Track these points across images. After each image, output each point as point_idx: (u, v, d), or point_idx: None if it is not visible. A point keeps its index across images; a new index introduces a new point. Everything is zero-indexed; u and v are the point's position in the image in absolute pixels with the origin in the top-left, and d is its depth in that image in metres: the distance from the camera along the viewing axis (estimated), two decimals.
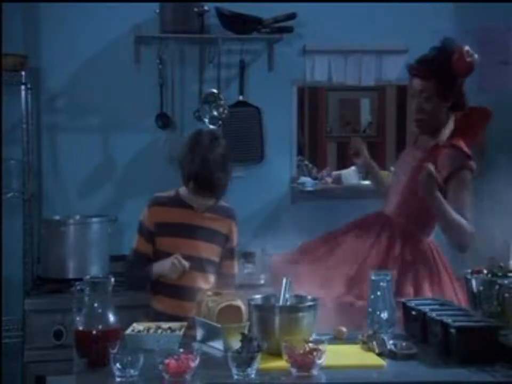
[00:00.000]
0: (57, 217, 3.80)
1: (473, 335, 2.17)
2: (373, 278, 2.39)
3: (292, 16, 4.01)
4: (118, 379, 2.02)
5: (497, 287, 2.30)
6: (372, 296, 2.38)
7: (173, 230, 2.78)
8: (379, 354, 2.24)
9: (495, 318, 2.28)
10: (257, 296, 2.41)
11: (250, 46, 4.09)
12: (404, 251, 2.79)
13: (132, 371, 2.02)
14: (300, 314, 2.25)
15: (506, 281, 2.30)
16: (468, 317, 2.30)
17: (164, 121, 4.00)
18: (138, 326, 2.41)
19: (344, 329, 2.47)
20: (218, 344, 2.31)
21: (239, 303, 2.40)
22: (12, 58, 3.65)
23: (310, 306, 2.28)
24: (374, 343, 2.27)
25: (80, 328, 2.17)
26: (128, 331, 2.36)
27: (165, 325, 2.45)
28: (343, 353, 2.27)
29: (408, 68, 2.92)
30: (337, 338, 2.43)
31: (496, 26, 4.30)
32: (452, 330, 2.18)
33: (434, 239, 2.98)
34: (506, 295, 2.26)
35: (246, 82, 4.10)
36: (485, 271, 2.47)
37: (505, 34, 4.32)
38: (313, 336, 2.27)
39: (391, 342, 2.27)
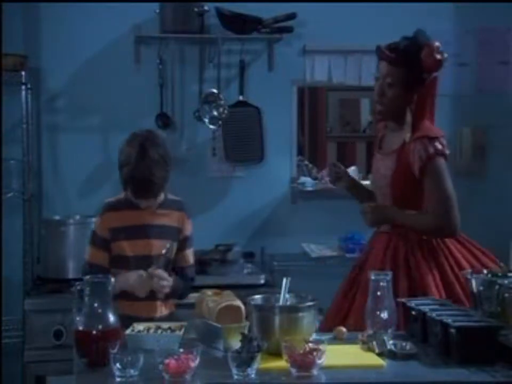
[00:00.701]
0: (57, 217, 3.80)
1: (473, 335, 2.17)
2: (372, 278, 2.39)
3: (291, 16, 4.01)
4: (118, 379, 2.02)
5: (497, 287, 2.30)
6: (372, 296, 2.37)
7: (127, 232, 2.76)
8: (379, 354, 2.24)
9: (495, 318, 2.28)
10: (257, 296, 2.41)
11: (250, 46, 4.09)
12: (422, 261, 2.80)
13: (132, 371, 2.02)
14: (300, 314, 2.25)
15: (506, 281, 2.30)
16: (468, 317, 2.29)
17: (164, 121, 4.00)
18: (138, 326, 2.41)
19: (344, 329, 2.47)
20: (218, 344, 2.31)
21: (239, 303, 2.40)
22: (12, 58, 3.65)
23: (310, 306, 2.28)
24: (374, 343, 2.27)
25: (80, 328, 2.17)
26: (128, 331, 2.35)
27: (165, 325, 2.45)
28: (343, 353, 2.27)
29: (377, 50, 2.86)
30: (337, 338, 2.43)
31: (496, 26, 4.31)
32: (452, 330, 2.17)
33: None
34: (506, 295, 2.26)
35: (246, 82, 4.10)
36: (485, 271, 2.47)
37: (505, 35, 4.32)
38: (313, 336, 2.27)
39: (391, 342, 2.27)
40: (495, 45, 4.31)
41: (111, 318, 2.18)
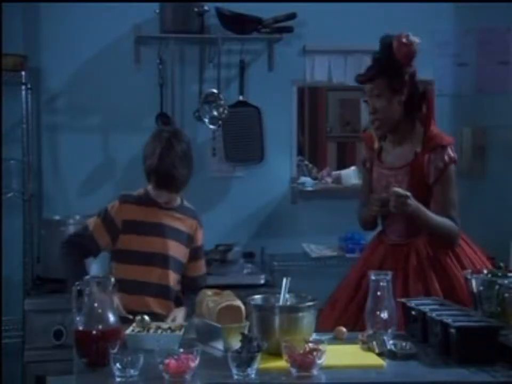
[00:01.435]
0: (57, 217, 3.80)
1: (473, 335, 2.17)
2: (372, 278, 2.39)
3: (291, 16, 4.01)
4: (118, 379, 2.02)
5: (497, 287, 2.30)
6: (372, 296, 2.37)
7: (141, 227, 2.78)
8: (379, 354, 2.24)
9: (495, 318, 2.28)
10: (257, 296, 2.41)
11: (250, 46, 4.09)
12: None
13: (132, 371, 2.02)
14: (300, 314, 2.25)
15: (506, 281, 2.30)
16: (467, 317, 2.29)
17: (164, 121, 4.00)
18: (138, 326, 2.41)
19: (344, 329, 2.47)
20: (218, 344, 2.31)
21: (239, 303, 2.40)
22: (12, 58, 3.65)
23: (310, 306, 2.28)
24: (374, 343, 2.27)
25: (80, 328, 2.17)
26: (128, 331, 2.36)
27: (165, 325, 2.45)
28: (343, 353, 2.27)
29: (356, 79, 2.92)
30: (337, 338, 2.43)
31: (496, 26, 4.31)
32: (452, 331, 2.18)
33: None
34: (506, 295, 2.26)
35: (246, 82, 4.10)
36: (485, 271, 2.47)
37: (504, 35, 4.32)
38: (313, 336, 2.27)
39: (391, 342, 2.27)
40: (495, 45, 4.31)
41: (111, 318, 2.18)
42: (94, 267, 3.63)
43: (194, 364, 2.03)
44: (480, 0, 4.19)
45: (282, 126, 4.17)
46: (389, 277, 2.38)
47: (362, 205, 3.04)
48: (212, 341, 2.34)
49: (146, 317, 2.45)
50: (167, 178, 2.71)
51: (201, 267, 2.97)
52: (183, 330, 2.38)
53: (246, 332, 2.23)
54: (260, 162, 4.13)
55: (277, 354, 2.15)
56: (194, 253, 2.91)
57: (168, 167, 2.69)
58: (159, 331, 2.38)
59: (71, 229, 3.63)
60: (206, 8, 3.91)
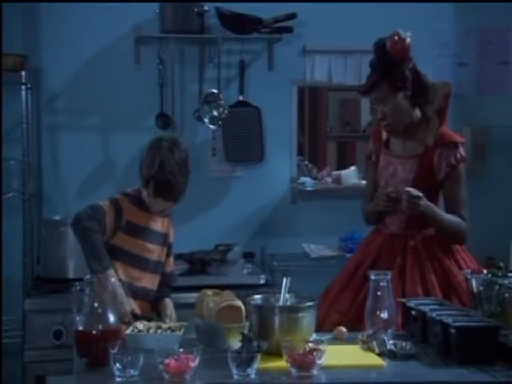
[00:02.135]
0: (57, 217, 3.80)
1: (473, 335, 2.17)
2: (372, 278, 2.39)
3: (291, 16, 4.01)
4: (118, 379, 2.02)
5: (497, 287, 2.31)
6: (372, 296, 2.37)
7: (137, 231, 2.76)
8: (379, 354, 2.24)
9: (495, 318, 2.28)
10: (257, 296, 2.41)
11: (250, 46, 4.09)
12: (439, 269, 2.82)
13: (132, 371, 2.02)
14: (300, 314, 2.25)
15: (506, 281, 2.30)
16: (467, 317, 2.30)
17: (164, 121, 4.00)
18: (138, 326, 2.42)
19: (344, 329, 2.47)
20: (218, 344, 2.31)
21: (239, 303, 2.40)
22: (11, 58, 3.65)
23: (310, 306, 2.28)
24: (374, 343, 2.27)
25: (80, 328, 2.17)
26: (129, 331, 2.36)
27: (165, 325, 2.45)
28: (343, 353, 2.27)
29: (359, 92, 2.93)
30: (337, 338, 2.43)
31: (496, 26, 4.31)
32: (452, 330, 2.18)
33: None
34: (506, 295, 2.26)
35: (246, 82, 4.10)
36: (485, 271, 2.47)
37: (504, 35, 4.32)
38: (313, 336, 2.27)
39: (391, 342, 2.27)
40: (495, 45, 4.31)
41: (111, 318, 2.18)
42: None
43: (194, 363, 2.04)
44: (480, 0, 4.19)
45: (282, 126, 4.17)
46: (389, 277, 2.38)
47: (368, 199, 3.04)
48: (212, 341, 2.34)
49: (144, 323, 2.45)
50: (165, 186, 2.68)
51: (173, 263, 2.97)
52: (183, 330, 2.38)
53: (246, 331, 2.23)
54: (260, 162, 4.13)
55: (277, 354, 2.15)
56: (169, 248, 2.91)
57: (168, 175, 2.66)
58: (159, 331, 2.38)
59: (71, 230, 3.63)
60: (206, 8, 3.91)
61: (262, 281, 3.70)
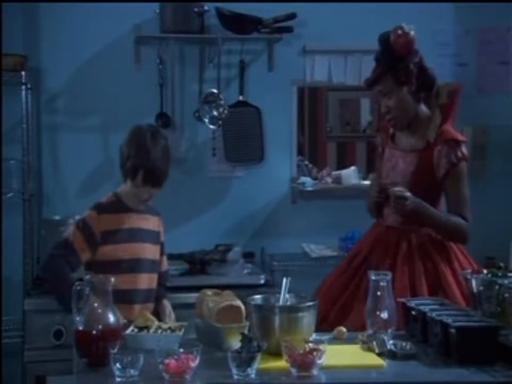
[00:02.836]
0: (57, 217, 3.80)
1: (473, 335, 2.17)
2: (372, 278, 2.39)
3: (291, 16, 4.01)
4: (118, 379, 2.02)
5: (497, 287, 2.30)
6: (372, 296, 2.37)
7: (119, 236, 2.77)
8: (379, 354, 2.24)
9: (495, 318, 2.28)
10: (257, 296, 2.41)
11: (250, 46, 4.09)
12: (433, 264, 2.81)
13: (132, 371, 2.02)
14: (300, 314, 2.25)
15: (506, 281, 2.30)
16: (467, 317, 2.30)
17: (164, 121, 4.00)
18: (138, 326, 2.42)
19: (344, 329, 2.47)
20: (218, 344, 2.31)
21: (239, 303, 2.40)
22: (12, 58, 3.65)
23: (310, 306, 2.28)
24: (374, 343, 2.27)
25: (80, 328, 2.17)
26: (128, 331, 2.36)
27: (165, 325, 2.45)
28: (343, 353, 2.27)
29: (364, 84, 2.93)
30: (337, 338, 2.43)
31: (496, 26, 4.31)
32: (452, 330, 2.18)
33: None
34: (506, 295, 2.26)
35: (246, 82, 4.10)
36: (485, 271, 2.47)
37: (505, 35, 4.32)
38: (313, 336, 2.27)
39: (391, 342, 2.27)
40: (495, 45, 4.31)
41: (111, 318, 2.18)
42: None
43: (194, 364, 2.04)
44: (480, 0, 4.19)
45: (282, 126, 4.17)
46: (389, 277, 2.38)
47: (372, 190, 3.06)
48: (212, 341, 2.34)
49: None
50: (154, 173, 2.72)
51: (166, 262, 3.00)
52: (183, 330, 2.38)
53: (246, 332, 2.23)
54: (260, 162, 4.13)
55: (277, 354, 2.15)
56: (161, 248, 2.93)
57: (155, 162, 2.72)
58: (159, 331, 2.38)
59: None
60: (206, 8, 3.91)
61: (262, 281, 3.70)
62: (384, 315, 2.34)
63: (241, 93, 4.07)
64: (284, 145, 4.18)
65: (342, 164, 4.54)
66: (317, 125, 4.86)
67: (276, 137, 4.14)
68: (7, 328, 3.67)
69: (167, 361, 2.02)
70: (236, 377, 2.03)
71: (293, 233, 4.16)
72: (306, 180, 4.22)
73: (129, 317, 2.64)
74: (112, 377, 2.02)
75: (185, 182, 3.96)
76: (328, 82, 4.25)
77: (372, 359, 2.21)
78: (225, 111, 3.93)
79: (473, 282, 2.42)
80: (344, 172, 4.35)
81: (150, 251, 2.83)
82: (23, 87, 3.71)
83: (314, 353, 2.07)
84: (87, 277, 2.26)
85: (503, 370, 2.11)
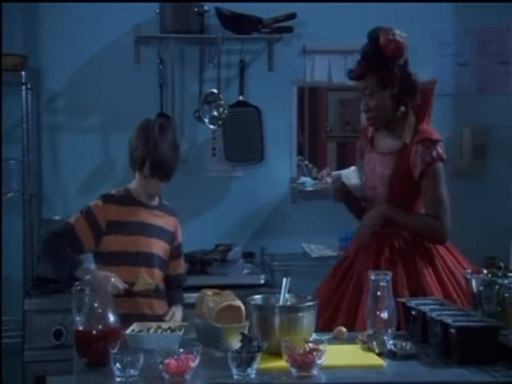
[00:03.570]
0: (57, 217, 3.80)
1: (473, 335, 2.17)
2: (372, 278, 2.39)
3: (291, 16, 4.01)
4: (118, 379, 2.02)
5: (497, 287, 2.31)
6: (372, 296, 2.37)
7: (125, 227, 2.76)
8: (379, 354, 2.24)
9: (495, 318, 2.28)
10: (257, 296, 2.41)
11: (250, 46, 4.09)
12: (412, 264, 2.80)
13: (132, 371, 2.02)
14: (300, 314, 2.25)
15: (506, 281, 2.30)
16: (467, 317, 2.30)
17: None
18: (138, 326, 2.42)
19: (344, 329, 2.47)
20: (218, 344, 2.31)
21: (239, 303, 2.40)
22: (12, 58, 3.65)
23: (310, 306, 2.28)
24: (374, 343, 2.27)
25: (80, 328, 2.17)
26: (129, 331, 2.36)
27: (165, 325, 2.45)
28: (343, 353, 2.27)
29: (347, 74, 2.97)
30: (337, 338, 2.43)
31: (496, 26, 4.31)
32: (452, 330, 2.18)
33: None
34: (506, 295, 2.26)
35: (246, 82, 4.10)
36: (485, 271, 2.47)
37: (504, 35, 4.32)
38: (313, 336, 2.27)
39: (391, 342, 2.27)
40: (495, 45, 4.31)
41: (111, 318, 2.18)
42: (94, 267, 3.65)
43: (194, 363, 2.04)
44: (480, 0, 4.19)
45: (282, 126, 4.17)
46: (389, 277, 2.39)
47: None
48: (212, 341, 2.34)
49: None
50: (161, 165, 2.73)
51: (183, 264, 2.99)
52: (183, 330, 2.38)
53: (246, 332, 2.23)
54: (260, 162, 4.13)
55: (277, 354, 2.15)
56: (176, 251, 2.92)
57: (162, 154, 2.72)
58: (159, 331, 2.38)
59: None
60: (206, 8, 3.91)
61: (262, 281, 3.70)
62: (384, 315, 2.34)
63: (241, 93, 4.08)
64: (284, 145, 4.18)
65: (342, 164, 4.53)
66: (317, 125, 4.86)
67: (276, 137, 4.14)
68: (7, 328, 3.67)
69: (167, 361, 2.02)
70: (236, 377, 2.03)
71: (293, 233, 4.16)
72: (306, 179, 4.21)
73: (131, 310, 2.65)
74: (112, 377, 2.03)
75: (186, 182, 3.96)
76: (328, 82, 4.25)
77: (372, 359, 2.21)
78: (225, 111, 3.93)
79: (473, 282, 2.42)
80: (344, 172, 4.33)
81: (158, 247, 2.81)
82: (23, 87, 3.71)
83: (314, 353, 2.07)
84: (87, 277, 2.26)
85: (503, 370, 2.11)
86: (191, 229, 3.98)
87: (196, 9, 3.89)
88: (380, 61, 2.79)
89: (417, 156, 2.78)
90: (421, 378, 2.11)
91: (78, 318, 2.18)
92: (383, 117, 2.86)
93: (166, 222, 2.86)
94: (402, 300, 2.53)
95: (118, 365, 2.01)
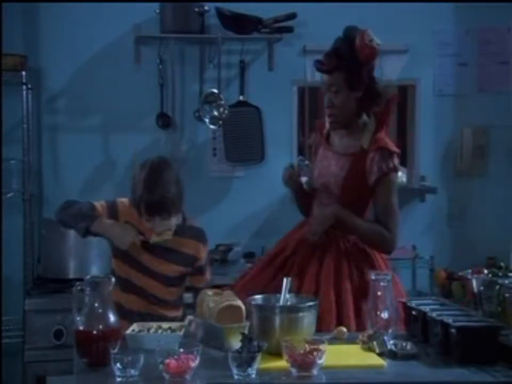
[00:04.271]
0: None
1: (474, 335, 2.17)
2: (373, 277, 2.39)
3: (292, 16, 4.01)
4: (118, 379, 2.02)
5: (497, 287, 2.31)
6: (372, 296, 2.37)
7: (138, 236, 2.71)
8: (379, 354, 2.24)
9: (495, 318, 2.28)
10: (258, 296, 2.41)
11: (251, 46, 4.09)
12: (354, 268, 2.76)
13: (132, 371, 2.02)
14: (300, 314, 2.25)
15: (506, 281, 2.30)
16: (468, 317, 2.29)
17: (165, 121, 4.00)
18: (138, 326, 2.42)
19: (344, 329, 2.47)
20: (218, 344, 2.31)
21: (239, 303, 2.40)
22: (12, 58, 3.66)
23: (310, 306, 2.28)
24: (375, 343, 2.27)
25: (81, 328, 2.17)
26: (129, 331, 2.36)
27: (165, 325, 2.45)
28: (343, 353, 2.27)
29: (315, 64, 2.86)
30: (337, 338, 2.43)
31: (496, 26, 4.31)
32: (452, 331, 2.17)
33: None
34: (507, 295, 2.26)
35: (246, 82, 4.10)
36: (485, 271, 2.47)
37: (505, 35, 4.32)
38: (313, 336, 2.27)
39: (391, 342, 2.27)
40: (495, 45, 4.31)
41: (112, 318, 2.18)
42: (94, 267, 3.65)
43: (194, 363, 2.03)
44: (481, 0, 4.19)
45: (282, 126, 4.17)
46: (389, 277, 2.39)
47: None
48: (212, 341, 2.34)
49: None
50: (157, 206, 2.61)
51: (206, 279, 2.89)
52: (183, 330, 2.38)
53: (246, 332, 2.23)
54: (260, 162, 4.13)
55: (277, 354, 2.15)
56: (199, 270, 2.84)
57: (156, 192, 2.60)
58: (160, 331, 2.38)
59: (72, 230, 3.63)
60: (206, 8, 3.92)
61: None
62: (385, 315, 2.34)
63: (241, 93, 4.08)
64: (284, 145, 4.18)
65: None
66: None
67: (276, 137, 4.14)
68: (7, 328, 3.68)
69: (167, 361, 2.02)
70: (236, 377, 2.03)
71: None
72: (306, 179, 4.21)
73: (142, 310, 2.67)
74: (113, 377, 2.02)
75: (186, 182, 3.94)
76: None
77: (372, 359, 2.21)
78: (226, 111, 3.93)
79: (474, 282, 2.42)
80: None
81: (167, 268, 2.74)
82: (24, 87, 3.71)
83: (315, 353, 2.06)
84: (88, 277, 2.26)
85: (503, 370, 2.11)
86: None
87: (196, 9, 3.89)
88: (352, 62, 2.75)
89: (374, 163, 2.72)
90: (421, 378, 2.11)
91: (78, 318, 2.18)
92: (345, 117, 2.80)
93: (185, 246, 2.76)
94: (403, 300, 2.53)
95: (118, 365, 2.01)
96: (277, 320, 2.23)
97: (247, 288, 2.75)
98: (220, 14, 3.97)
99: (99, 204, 2.75)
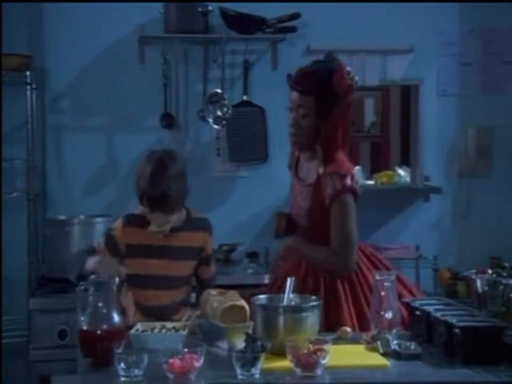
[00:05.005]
0: (61, 217, 3.81)
1: (478, 335, 2.17)
2: (377, 277, 2.39)
3: (295, 16, 4.01)
4: (122, 379, 2.02)
5: (501, 287, 2.30)
6: (376, 297, 2.37)
7: (146, 251, 2.72)
8: (383, 355, 2.24)
9: (499, 318, 2.28)
10: (262, 296, 2.41)
11: (254, 46, 4.09)
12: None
13: (136, 371, 2.02)
14: (304, 314, 2.25)
15: (511, 281, 2.30)
16: (472, 317, 2.29)
17: (168, 121, 4.01)
18: (142, 326, 2.42)
19: (348, 329, 2.47)
20: (222, 344, 2.31)
21: (243, 303, 2.40)
22: (16, 58, 3.66)
23: (314, 306, 2.28)
24: (378, 343, 2.27)
25: (85, 328, 2.17)
26: (133, 331, 2.36)
27: (169, 324, 2.45)
28: (347, 353, 2.27)
29: (288, 79, 2.74)
30: (341, 338, 2.43)
31: (500, 26, 4.30)
32: (456, 331, 2.17)
33: None
34: (511, 295, 2.26)
35: (250, 82, 4.10)
36: (490, 271, 2.46)
37: (508, 34, 4.32)
38: (317, 336, 2.27)
39: (395, 342, 2.27)
40: (499, 45, 4.31)
41: (116, 317, 2.18)
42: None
43: (198, 363, 2.04)
44: (485, 0, 4.19)
45: (286, 126, 4.14)
46: (393, 277, 2.38)
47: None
48: (216, 340, 2.34)
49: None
50: (160, 200, 2.60)
51: (212, 270, 2.92)
52: (187, 330, 2.38)
53: (250, 331, 2.23)
54: (264, 162, 4.13)
55: (281, 354, 2.15)
56: (205, 260, 2.85)
57: (159, 189, 2.59)
58: (164, 331, 2.38)
59: (76, 230, 3.65)
60: (210, 8, 3.92)
61: (266, 281, 3.69)
62: (389, 315, 2.34)
63: (245, 92, 4.08)
64: (288, 145, 4.16)
65: None
66: None
67: (280, 137, 4.13)
68: (11, 328, 3.68)
69: (171, 360, 2.02)
70: (240, 377, 2.03)
71: None
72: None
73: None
74: (117, 377, 2.03)
75: (189, 182, 3.96)
76: None
77: (376, 359, 2.21)
78: (229, 111, 3.94)
79: (478, 283, 2.42)
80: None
81: (183, 267, 2.76)
82: (28, 87, 3.72)
83: (319, 353, 2.06)
84: (92, 277, 2.26)
85: (507, 370, 2.11)
86: None
87: (200, 9, 3.89)
88: (326, 90, 2.66)
89: (325, 188, 2.68)
90: (425, 379, 2.11)
91: (82, 318, 2.18)
92: (307, 142, 2.74)
93: (192, 239, 2.78)
94: (407, 300, 2.53)
95: (122, 364, 2.01)
96: (281, 320, 2.23)
97: None
98: (224, 14, 3.97)
99: (96, 242, 2.79)
